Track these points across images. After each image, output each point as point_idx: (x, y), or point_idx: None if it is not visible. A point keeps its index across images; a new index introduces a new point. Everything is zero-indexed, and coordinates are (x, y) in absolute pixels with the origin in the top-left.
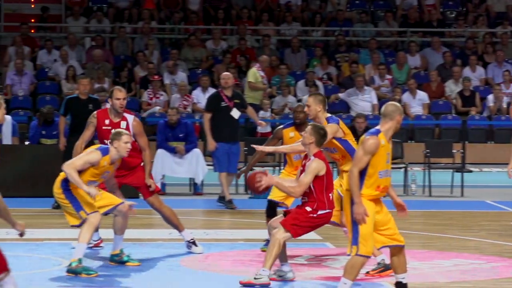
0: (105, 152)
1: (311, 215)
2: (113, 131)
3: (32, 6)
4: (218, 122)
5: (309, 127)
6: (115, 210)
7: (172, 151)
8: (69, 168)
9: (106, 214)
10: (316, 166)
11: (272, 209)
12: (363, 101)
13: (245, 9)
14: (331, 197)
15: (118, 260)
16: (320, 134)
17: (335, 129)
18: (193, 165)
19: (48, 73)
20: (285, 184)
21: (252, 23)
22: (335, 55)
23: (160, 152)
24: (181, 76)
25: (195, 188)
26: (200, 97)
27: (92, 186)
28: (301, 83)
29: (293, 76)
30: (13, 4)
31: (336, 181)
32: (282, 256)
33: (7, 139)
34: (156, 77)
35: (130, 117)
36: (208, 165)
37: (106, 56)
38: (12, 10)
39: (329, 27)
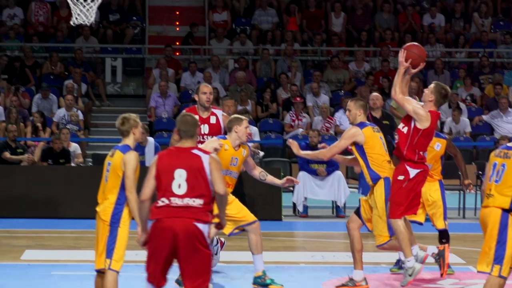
0: (223, 137)
1: (404, 184)
2: (232, 116)
3: (177, 29)
4: None
5: (432, 85)
6: (249, 226)
7: (314, 173)
8: None
9: (241, 230)
10: (423, 113)
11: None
12: (507, 123)
13: (388, 31)
14: (421, 154)
15: (261, 283)
16: (441, 94)
17: (352, 133)
18: (334, 187)
19: (192, 95)
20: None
21: (395, 44)
22: (479, 76)
23: (302, 174)
24: (324, 98)
25: (338, 211)
26: (343, 119)
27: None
28: (444, 105)
29: None
30: (158, 27)
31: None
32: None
33: (150, 161)
34: (298, 99)
35: (219, 112)
36: (350, 187)
37: (249, 78)
38: (156, 32)
39: (473, 48)
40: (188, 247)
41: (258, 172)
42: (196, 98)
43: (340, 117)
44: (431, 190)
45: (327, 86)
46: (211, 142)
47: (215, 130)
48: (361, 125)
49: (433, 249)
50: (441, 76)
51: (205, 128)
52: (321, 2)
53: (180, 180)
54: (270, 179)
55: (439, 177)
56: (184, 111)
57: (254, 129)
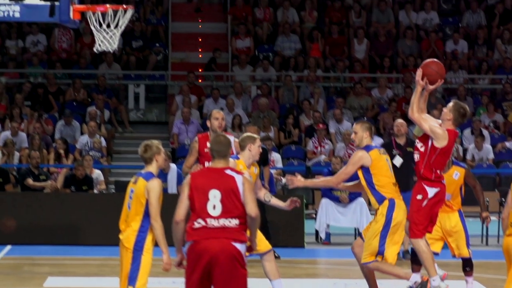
0: (235, 157)
1: (423, 203)
2: (245, 135)
3: (200, 55)
4: None
5: (451, 104)
6: (262, 255)
7: (336, 200)
8: None
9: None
10: (440, 131)
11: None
12: None
13: (411, 57)
14: (438, 173)
15: None
16: (460, 113)
17: (359, 157)
18: (357, 214)
19: None
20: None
21: None
22: (502, 103)
23: (324, 201)
24: (347, 125)
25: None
26: None
27: None
28: (467, 131)
29: None
30: (181, 53)
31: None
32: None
33: (172, 188)
34: (321, 125)
35: (231, 138)
36: (372, 214)
37: (271, 105)
38: (179, 59)
39: (496, 75)
40: (227, 268)
41: (263, 194)
42: (209, 124)
43: None
44: (451, 221)
45: (350, 113)
46: None
47: None
48: (367, 148)
49: (416, 277)
50: (464, 102)
51: None
52: (344, 28)
53: (214, 201)
54: (274, 201)
55: (459, 207)
56: (196, 137)
57: (277, 156)
